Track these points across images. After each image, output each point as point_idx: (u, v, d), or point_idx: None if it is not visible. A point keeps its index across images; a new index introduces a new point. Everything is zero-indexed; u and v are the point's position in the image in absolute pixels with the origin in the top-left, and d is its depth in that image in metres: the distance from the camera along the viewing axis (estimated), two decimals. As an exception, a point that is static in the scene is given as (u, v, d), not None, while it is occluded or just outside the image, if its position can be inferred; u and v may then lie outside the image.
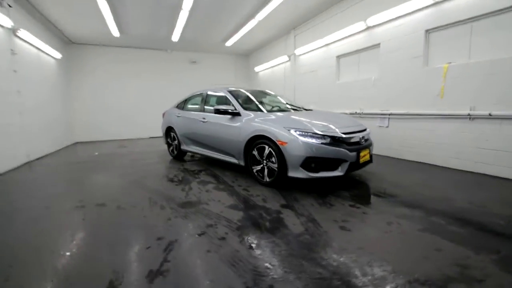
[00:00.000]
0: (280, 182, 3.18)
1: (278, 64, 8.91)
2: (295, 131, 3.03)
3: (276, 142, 3.09)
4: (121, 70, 9.36)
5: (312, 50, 7.04)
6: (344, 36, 5.86)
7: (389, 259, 1.69)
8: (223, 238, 2.02)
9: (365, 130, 3.46)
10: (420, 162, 4.45)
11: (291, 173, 3.02)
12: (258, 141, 3.35)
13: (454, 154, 4.01)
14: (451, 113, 4.00)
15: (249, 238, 2.03)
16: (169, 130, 5.45)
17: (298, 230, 2.14)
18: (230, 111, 3.79)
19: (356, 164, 3.12)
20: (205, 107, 4.59)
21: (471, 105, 3.77)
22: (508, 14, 3.39)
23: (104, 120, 9.22)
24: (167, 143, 5.58)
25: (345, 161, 3.00)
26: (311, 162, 2.94)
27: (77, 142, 8.76)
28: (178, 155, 5.25)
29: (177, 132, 5.10)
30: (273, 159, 3.19)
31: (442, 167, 4.11)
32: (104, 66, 9.12)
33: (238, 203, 2.77)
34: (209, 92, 4.70)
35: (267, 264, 1.67)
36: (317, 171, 2.96)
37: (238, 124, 3.69)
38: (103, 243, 2.00)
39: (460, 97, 3.90)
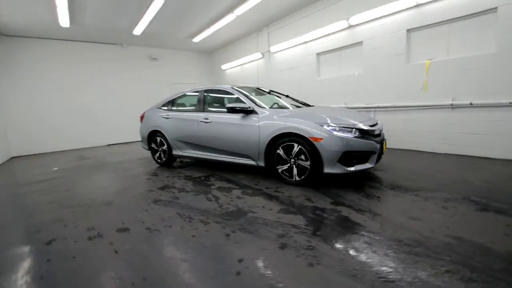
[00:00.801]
0: (312, 180, 3.08)
1: (250, 62, 8.76)
2: (328, 126, 2.97)
3: (309, 138, 2.97)
4: (67, 68, 7.91)
5: (290, 47, 7.11)
6: (325, 34, 6.05)
7: (481, 239, 1.76)
8: (310, 248, 1.82)
9: (378, 122, 3.62)
10: (410, 150, 4.90)
11: (328, 169, 2.94)
12: (285, 139, 3.18)
13: (439, 140, 4.53)
14: (435, 104, 4.50)
15: (335, 242, 1.87)
16: (153, 135, 4.81)
17: (375, 226, 2.07)
18: (247, 109, 3.51)
19: (380, 155, 3.23)
20: (207, 106, 4.17)
21: (452, 96, 4.30)
22: (480, 17, 3.96)
23: (47, 129, 7.67)
24: (151, 149, 4.91)
25: (374, 153, 3.07)
26: (348, 157, 2.91)
27: (14, 157, 7.07)
28: (168, 161, 4.67)
29: (167, 136, 4.52)
30: (302, 157, 3.07)
31: (430, 152, 4.60)
32: (45, 63, 7.57)
33: (286, 207, 2.57)
34: (207, 90, 4.29)
35: (385, 268, 1.55)
36: (352, 165, 2.96)
37: (254, 122, 3.45)
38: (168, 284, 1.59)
39: (442, 89, 4.41)
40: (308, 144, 3.00)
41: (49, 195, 3.46)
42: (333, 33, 5.92)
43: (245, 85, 4.48)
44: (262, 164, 3.48)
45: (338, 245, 1.83)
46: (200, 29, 7.59)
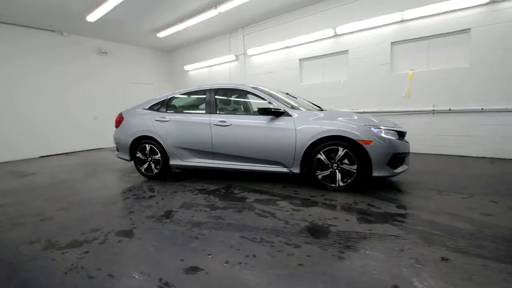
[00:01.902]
0: (358, 185, 2.96)
1: (221, 63, 8.29)
2: (375, 128, 2.91)
3: (358, 141, 2.85)
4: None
5: (270, 51, 7.00)
6: (310, 40, 6.18)
7: None
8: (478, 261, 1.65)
9: None
10: (396, 151, 5.34)
11: (377, 173, 2.86)
12: (327, 143, 2.97)
13: (422, 141, 5.08)
14: (418, 109, 5.04)
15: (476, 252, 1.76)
16: (138, 141, 3.93)
17: (466, 227, 2.06)
18: (280, 111, 3.16)
19: (407, 157, 3.36)
20: (219, 108, 3.62)
21: (433, 103, 4.90)
22: (455, 36, 4.63)
23: None
24: (136, 159, 3.99)
25: (408, 154, 3.17)
26: (395, 159, 2.90)
27: None
28: (161, 173, 3.87)
29: (163, 143, 3.74)
30: (346, 161, 2.93)
31: (415, 153, 5.11)
32: None
33: (360, 216, 2.35)
34: (218, 89, 3.73)
35: (538, 270, 1.50)
36: (396, 167, 2.97)
37: (289, 125, 3.13)
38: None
39: (424, 97, 4.98)
40: (355, 147, 2.87)
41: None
42: (318, 40, 6.08)
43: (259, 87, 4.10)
44: (296, 171, 3.18)
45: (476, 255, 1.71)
46: (169, 23, 6.77)
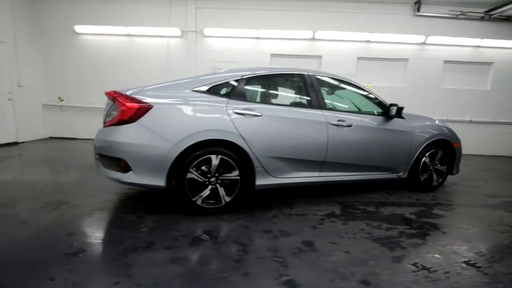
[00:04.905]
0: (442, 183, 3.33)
1: (153, 36, 6.06)
2: (448, 131, 3.35)
3: (452, 144, 3.21)
4: None
5: (235, 37, 5.99)
6: (285, 37, 5.94)
7: None
8: None
9: None
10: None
11: (455, 171, 3.35)
12: (431, 146, 3.11)
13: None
14: (373, 115, 6.25)
15: None
16: (193, 151, 2.17)
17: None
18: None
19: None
20: (326, 102, 2.72)
21: (383, 111, 6.26)
22: (397, 62, 6.17)
23: None
24: (183, 181, 2.16)
25: None
26: (458, 159, 3.52)
27: None
28: (234, 202, 2.36)
29: (251, 151, 2.31)
30: (437, 162, 3.23)
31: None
32: None
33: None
34: (321, 76, 2.84)
35: None
36: (456, 167, 3.60)
37: (404, 128, 2.98)
38: None
39: (377, 106, 6.25)
40: (449, 149, 3.21)
41: None
42: (295, 39, 5.98)
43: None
44: (405, 176, 3.08)
45: None
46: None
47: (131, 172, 2.10)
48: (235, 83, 2.43)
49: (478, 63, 6.11)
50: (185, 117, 2.18)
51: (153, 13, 5.95)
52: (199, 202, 2.23)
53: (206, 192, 2.24)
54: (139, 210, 2.34)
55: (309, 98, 2.68)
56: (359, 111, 2.95)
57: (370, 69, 6.24)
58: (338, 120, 2.64)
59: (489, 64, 6.12)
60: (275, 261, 1.64)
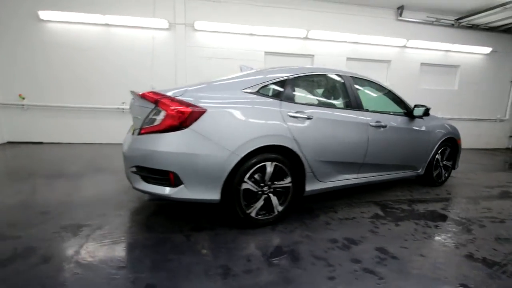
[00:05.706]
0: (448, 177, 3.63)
1: (135, 27, 5.47)
2: (452, 129, 3.65)
3: (457, 141, 3.50)
4: None
5: (229, 33, 5.71)
6: (280, 35, 5.86)
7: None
8: None
9: None
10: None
11: (457, 166, 3.67)
12: (443, 143, 3.35)
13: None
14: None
15: None
16: (248, 158, 1.98)
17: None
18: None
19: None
20: (365, 102, 2.72)
21: (370, 110, 6.59)
22: (381, 63, 6.53)
23: None
24: (241, 194, 1.97)
25: None
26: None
27: None
28: (285, 212, 2.23)
29: (304, 156, 2.19)
30: (444, 158, 3.50)
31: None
32: None
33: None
34: (356, 78, 2.85)
35: None
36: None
37: (423, 127, 3.15)
38: None
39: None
40: (455, 146, 3.50)
41: None
42: (289, 37, 5.93)
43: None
44: (422, 172, 3.26)
45: None
46: None
47: (182, 186, 1.83)
48: (283, 84, 2.27)
49: (448, 65, 6.81)
50: (242, 122, 1.96)
51: (135, 1, 5.35)
52: (253, 214, 2.05)
53: (260, 202, 2.07)
54: (179, 228, 2.06)
55: (348, 99, 2.65)
56: (389, 112, 3.01)
57: (357, 70, 6.43)
58: (376, 121, 2.67)
59: (456, 66, 6.85)
60: (368, 274, 1.57)
